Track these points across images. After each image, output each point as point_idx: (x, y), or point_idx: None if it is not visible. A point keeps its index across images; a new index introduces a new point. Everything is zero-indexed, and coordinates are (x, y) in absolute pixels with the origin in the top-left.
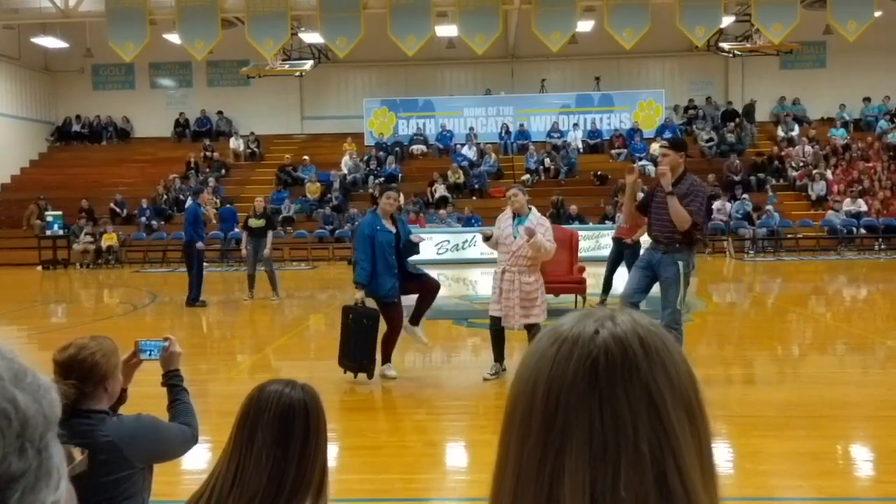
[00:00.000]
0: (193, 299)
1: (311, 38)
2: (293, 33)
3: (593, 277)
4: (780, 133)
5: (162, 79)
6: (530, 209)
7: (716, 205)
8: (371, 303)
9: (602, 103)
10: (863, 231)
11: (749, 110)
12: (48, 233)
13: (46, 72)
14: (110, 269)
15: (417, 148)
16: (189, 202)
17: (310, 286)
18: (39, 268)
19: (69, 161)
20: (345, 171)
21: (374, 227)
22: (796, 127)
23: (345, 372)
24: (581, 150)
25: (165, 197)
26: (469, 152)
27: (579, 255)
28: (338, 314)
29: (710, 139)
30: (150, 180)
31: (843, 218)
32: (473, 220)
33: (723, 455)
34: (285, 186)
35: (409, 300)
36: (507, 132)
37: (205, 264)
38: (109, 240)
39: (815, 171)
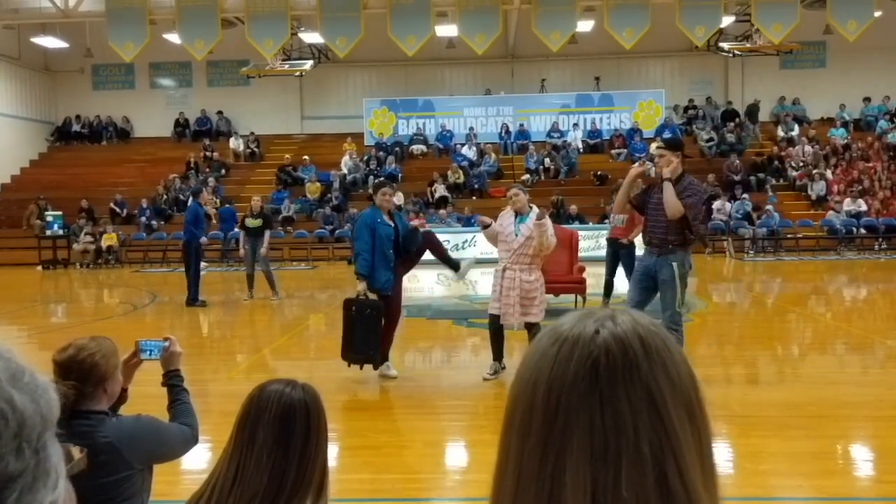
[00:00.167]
0: (193, 299)
1: (311, 38)
2: (293, 33)
3: (593, 277)
4: (780, 133)
5: (162, 79)
6: (531, 208)
7: (716, 205)
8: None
9: (602, 103)
10: (863, 231)
11: (753, 110)
12: (48, 233)
13: (46, 72)
14: (110, 269)
15: (417, 148)
16: (191, 202)
17: (310, 286)
18: (39, 268)
19: (69, 161)
20: (345, 171)
21: (375, 220)
22: (796, 127)
23: (349, 365)
24: (581, 150)
25: (165, 197)
26: (469, 152)
27: (579, 254)
28: (338, 314)
29: (710, 139)
30: (150, 180)
31: (843, 218)
32: (473, 220)
33: (723, 455)
34: (285, 186)
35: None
36: (507, 132)
37: (204, 264)
38: (109, 240)
39: (815, 171)
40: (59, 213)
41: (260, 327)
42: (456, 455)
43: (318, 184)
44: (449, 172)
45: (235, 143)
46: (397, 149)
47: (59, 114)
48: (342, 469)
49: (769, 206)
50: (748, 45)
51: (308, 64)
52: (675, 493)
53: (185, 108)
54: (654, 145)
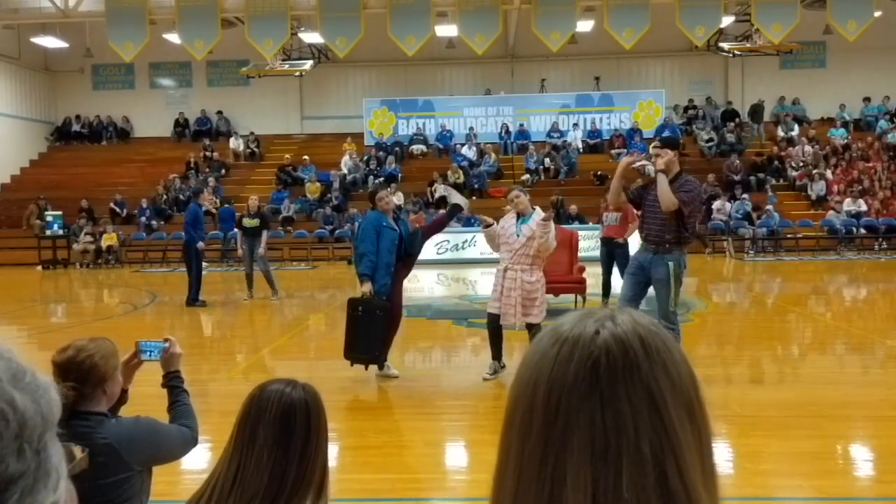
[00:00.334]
0: (193, 299)
1: (311, 38)
2: (293, 33)
3: (593, 277)
4: (780, 133)
5: (162, 79)
6: (534, 209)
7: (716, 205)
8: None
9: (602, 103)
10: (863, 231)
11: (757, 110)
12: (48, 233)
13: (46, 72)
14: (110, 269)
15: (417, 148)
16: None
17: (310, 286)
18: (39, 268)
19: (69, 161)
20: (345, 170)
21: (380, 223)
22: (796, 127)
23: (352, 365)
24: (581, 150)
25: (165, 197)
26: (469, 152)
27: (579, 254)
28: (338, 314)
29: (710, 139)
30: (150, 180)
31: (843, 218)
32: (473, 220)
33: (723, 455)
34: (285, 186)
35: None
36: (507, 132)
37: (204, 264)
38: (109, 240)
39: (814, 171)
40: (59, 213)
41: (260, 327)
42: (456, 455)
43: (317, 184)
44: (449, 172)
45: (235, 143)
46: (397, 149)
47: (58, 114)
48: (342, 469)
49: (769, 206)
50: (748, 45)
51: (308, 64)
52: (676, 492)
53: (185, 108)
54: (652, 145)
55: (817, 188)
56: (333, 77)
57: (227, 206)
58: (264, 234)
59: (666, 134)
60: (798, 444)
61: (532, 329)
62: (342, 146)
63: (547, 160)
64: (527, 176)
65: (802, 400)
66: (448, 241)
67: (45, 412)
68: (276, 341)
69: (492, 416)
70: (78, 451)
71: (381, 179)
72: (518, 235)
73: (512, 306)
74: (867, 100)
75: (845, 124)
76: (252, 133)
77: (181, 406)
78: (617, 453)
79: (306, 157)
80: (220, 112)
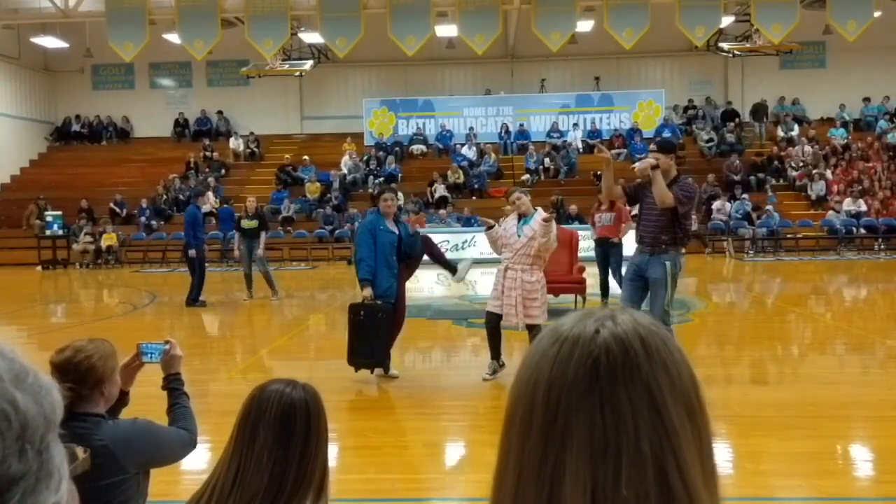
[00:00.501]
0: (193, 299)
1: (311, 38)
2: (293, 33)
3: (593, 277)
4: (780, 133)
5: (162, 79)
6: (536, 210)
7: (716, 205)
8: None
9: (602, 103)
10: (862, 231)
11: (759, 109)
12: (48, 233)
13: (46, 72)
14: (110, 269)
15: (417, 148)
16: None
17: (310, 286)
18: (39, 268)
19: (69, 161)
20: (344, 171)
21: (376, 226)
22: (796, 127)
23: (356, 370)
24: (581, 150)
25: (165, 197)
26: (469, 152)
27: (579, 254)
28: (338, 314)
29: (710, 139)
30: (150, 180)
31: (843, 218)
32: (473, 220)
33: (723, 455)
34: (285, 186)
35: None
36: (507, 132)
37: (205, 265)
38: (109, 240)
39: (814, 171)
40: (59, 213)
41: (259, 327)
42: (456, 455)
43: (317, 184)
44: (449, 172)
45: (235, 143)
46: (397, 149)
47: (58, 114)
48: (342, 469)
49: (769, 207)
50: (748, 45)
51: (308, 64)
52: (676, 491)
53: (185, 108)
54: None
55: (817, 188)
56: (333, 77)
57: (226, 206)
58: (262, 235)
59: (665, 134)
60: (798, 444)
61: (532, 330)
62: (342, 146)
63: (547, 160)
64: (527, 176)
65: (802, 400)
66: (448, 241)
67: (48, 413)
68: (275, 341)
69: (492, 416)
70: (80, 452)
71: (382, 179)
72: (519, 236)
73: (513, 306)
74: (867, 100)
75: (845, 124)
76: (252, 133)
77: (180, 408)
78: (617, 452)
79: (306, 157)
80: (220, 112)
